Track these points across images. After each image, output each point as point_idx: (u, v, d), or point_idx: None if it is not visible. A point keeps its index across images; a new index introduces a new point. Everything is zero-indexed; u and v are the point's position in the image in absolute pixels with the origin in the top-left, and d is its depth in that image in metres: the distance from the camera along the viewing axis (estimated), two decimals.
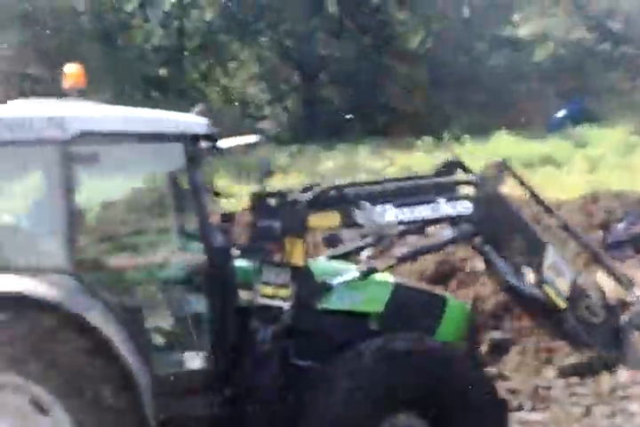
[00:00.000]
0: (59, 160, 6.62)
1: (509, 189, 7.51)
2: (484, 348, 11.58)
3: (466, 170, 7.66)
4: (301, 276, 6.93)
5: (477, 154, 23.99)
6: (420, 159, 25.03)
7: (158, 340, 6.93)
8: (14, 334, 6.23)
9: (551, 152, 24.42)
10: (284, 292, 6.85)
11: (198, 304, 6.92)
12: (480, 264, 12.27)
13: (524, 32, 31.32)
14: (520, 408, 10.00)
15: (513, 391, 10.46)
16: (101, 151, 6.73)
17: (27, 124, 6.62)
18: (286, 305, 6.85)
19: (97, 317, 6.44)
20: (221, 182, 21.44)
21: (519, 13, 31.46)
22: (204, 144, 6.88)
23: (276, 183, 20.47)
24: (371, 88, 30.27)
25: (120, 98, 25.51)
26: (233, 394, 6.84)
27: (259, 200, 7.06)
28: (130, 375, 6.38)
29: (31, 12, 29.47)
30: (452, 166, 7.68)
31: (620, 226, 13.50)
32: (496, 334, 11.74)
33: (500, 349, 11.57)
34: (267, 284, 6.86)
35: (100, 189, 7.58)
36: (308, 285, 6.96)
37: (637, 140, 25.31)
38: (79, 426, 6.26)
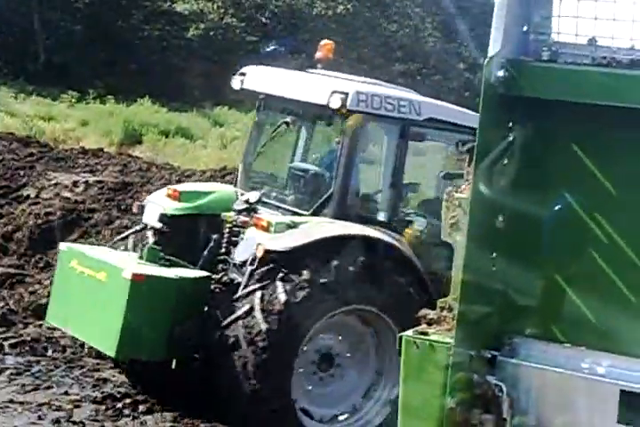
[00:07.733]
0: (402, 135, 8.28)
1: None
2: None
3: None
4: None
5: (117, 115, 25.10)
6: (62, 111, 25.70)
7: None
8: (364, 270, 7.98)
9: (189, 125, 25.77)
10: None
11: None
12: None
13: (180, 9, 32.71)
14: None
15: None
16: (427, 133, 8.46)
17: (395, 104, 8.12)
18: None
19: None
20: None
21: None
22: None
23: None
24: (24, 35, 30.18)
25: None
26: None
27: None
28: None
29: None
30: None
31: None
32: None
33: None
34: None
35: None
36: None
37: None
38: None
